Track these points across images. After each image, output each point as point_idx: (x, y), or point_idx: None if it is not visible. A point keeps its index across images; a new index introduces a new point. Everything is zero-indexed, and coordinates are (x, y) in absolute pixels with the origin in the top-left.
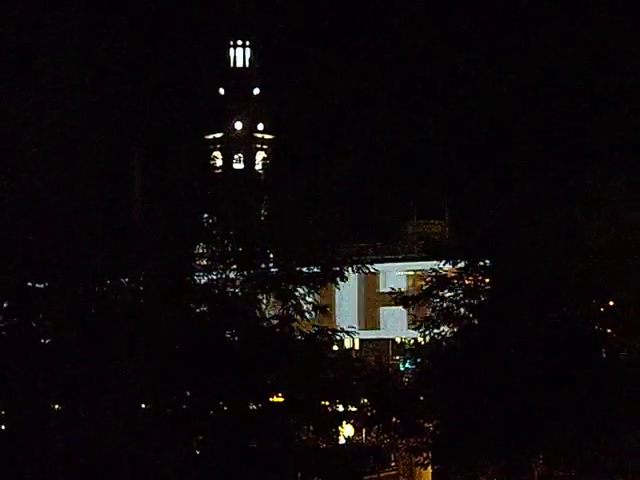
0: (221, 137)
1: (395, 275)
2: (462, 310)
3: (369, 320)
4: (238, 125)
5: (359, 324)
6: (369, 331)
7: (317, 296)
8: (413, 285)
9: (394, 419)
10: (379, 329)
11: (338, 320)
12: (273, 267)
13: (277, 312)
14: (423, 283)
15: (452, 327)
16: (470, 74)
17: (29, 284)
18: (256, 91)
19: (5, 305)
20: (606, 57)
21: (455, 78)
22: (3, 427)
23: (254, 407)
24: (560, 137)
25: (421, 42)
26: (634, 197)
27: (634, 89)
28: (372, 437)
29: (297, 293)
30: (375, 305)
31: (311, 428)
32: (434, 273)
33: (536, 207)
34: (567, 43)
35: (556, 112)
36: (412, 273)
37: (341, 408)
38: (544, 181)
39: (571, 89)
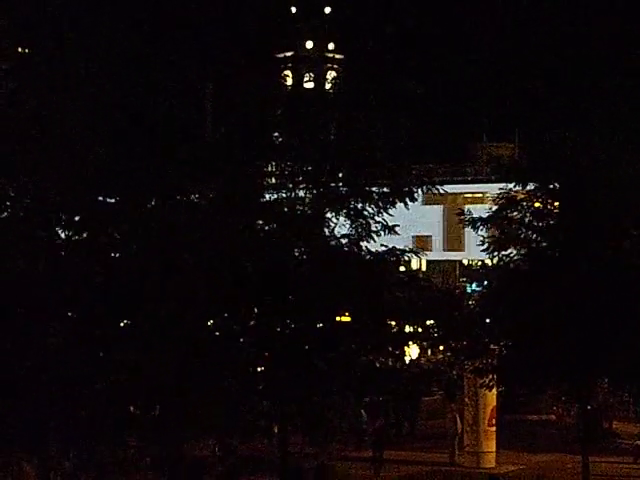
0: (292, 56)
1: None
2: (530, 233)
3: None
4: (309, 44)
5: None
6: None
7: (386, 215)
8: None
9: (459, 340)
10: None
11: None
12: (342, 186)
13: (346, 231)
14: (492, 204)
15: (520, 249)
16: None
17: (100, 198)
18: (327, 10)
19: (76, 219)
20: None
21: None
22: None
23: (320, 326)
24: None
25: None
26: None
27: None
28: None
29: (366, 212)
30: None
31: (376, 348)
32: (504, 194)
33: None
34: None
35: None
36: (481, 195)
37: (407, 328)
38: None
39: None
